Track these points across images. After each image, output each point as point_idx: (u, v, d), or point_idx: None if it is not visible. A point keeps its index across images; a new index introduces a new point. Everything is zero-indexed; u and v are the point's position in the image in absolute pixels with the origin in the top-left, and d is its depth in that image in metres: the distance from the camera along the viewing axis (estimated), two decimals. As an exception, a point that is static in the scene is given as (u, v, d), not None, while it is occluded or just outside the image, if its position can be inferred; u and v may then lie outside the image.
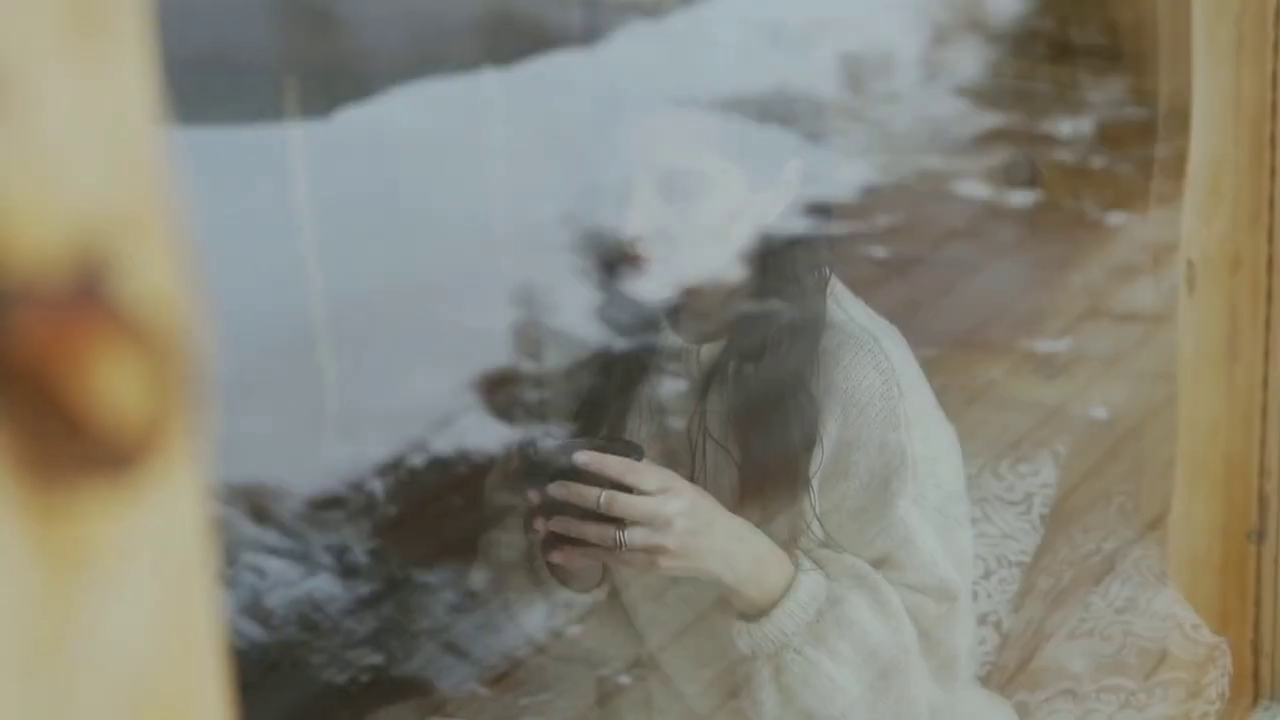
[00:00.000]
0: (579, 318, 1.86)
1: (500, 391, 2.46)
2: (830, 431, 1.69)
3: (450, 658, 2.37)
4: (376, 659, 2.38)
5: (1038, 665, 2.13)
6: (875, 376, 1.69)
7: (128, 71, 0.57)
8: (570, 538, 1.63)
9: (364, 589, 2.51)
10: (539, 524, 1.64)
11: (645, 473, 1.62)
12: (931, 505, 1.72)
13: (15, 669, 0.56)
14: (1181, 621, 2.13)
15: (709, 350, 1.74)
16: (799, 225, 1.71)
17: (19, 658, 0.56)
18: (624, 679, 1.95)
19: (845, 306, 1.75)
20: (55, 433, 0.56)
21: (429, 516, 2.69)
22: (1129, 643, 2.12)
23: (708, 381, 1.73)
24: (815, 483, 1.70)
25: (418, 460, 2.69)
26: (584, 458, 1.60)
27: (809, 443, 1.69)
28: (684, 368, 1.75)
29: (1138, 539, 2.27)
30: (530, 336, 2.08)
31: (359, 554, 2.55)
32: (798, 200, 1.70)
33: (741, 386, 1.72)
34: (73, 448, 0.56)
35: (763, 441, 1.71)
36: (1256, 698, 2.19)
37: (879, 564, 1.72)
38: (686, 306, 1.75)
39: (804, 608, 1.67)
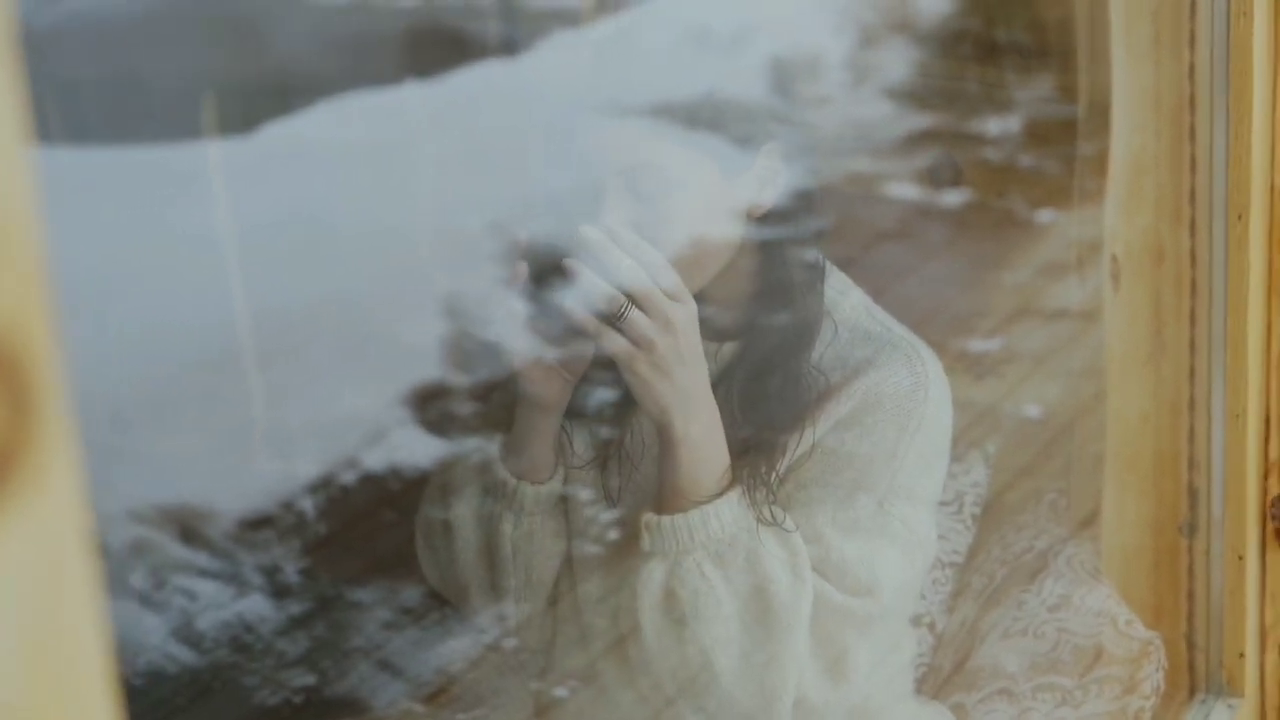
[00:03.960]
0: (509, 329, 1.85)
1: (432, 405, 2.45)
2: (839, 415, 1.68)
3: (384, 675, 2.35)
4: (310, 679, 2.36)
5: (973, 666, 2.12)
6: (907, 377, 1.71)
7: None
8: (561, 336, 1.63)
9: (296, 609, 2.49)
10: (518, 268, 1.62)
11: (672, 278, 1.61)
12: (895, 515, 1.72)
13: None
14: (1115, 617, 2.13)
15: (729, 349, 1.74)
16: (789, 219, 1.70)
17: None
18: (560, 691, 1.93)
19: (879, 318, 1.76)
20: (-97, 457, 0.54)
21: (361, 534, 2.67)
22: (1063, 640, 2.12)
23: (720, 380, 1.73)
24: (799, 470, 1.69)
25: (349, 477, 2.67)
26: (625, 234, 1.58)
27: (805, 437, 1.69)
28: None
29: (1070, 536, 2.27)
30: (461, 349, 2.06)
31: (290, 573, 2.53)
32: (787, 188, 1.69)
33: (752, 389, 1.72)
34: (-78, 472, 0.54)
35: (756, 431, 1.70)
36: (1192, 691, 2.19)
37: (809, 538, 1.71)
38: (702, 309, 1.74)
39: (723, 524, 1.67)
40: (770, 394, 1.71)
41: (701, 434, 1.66)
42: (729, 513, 1.68)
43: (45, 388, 0.57)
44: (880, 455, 1.70)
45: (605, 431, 1.79)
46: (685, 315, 1.61)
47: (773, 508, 1.70)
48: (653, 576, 1.70)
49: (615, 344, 1.61)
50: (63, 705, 0.61)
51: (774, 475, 1.70)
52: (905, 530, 1.73)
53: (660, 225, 1.63)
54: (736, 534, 1.68)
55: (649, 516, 1.70)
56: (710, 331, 1.74)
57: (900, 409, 1.70)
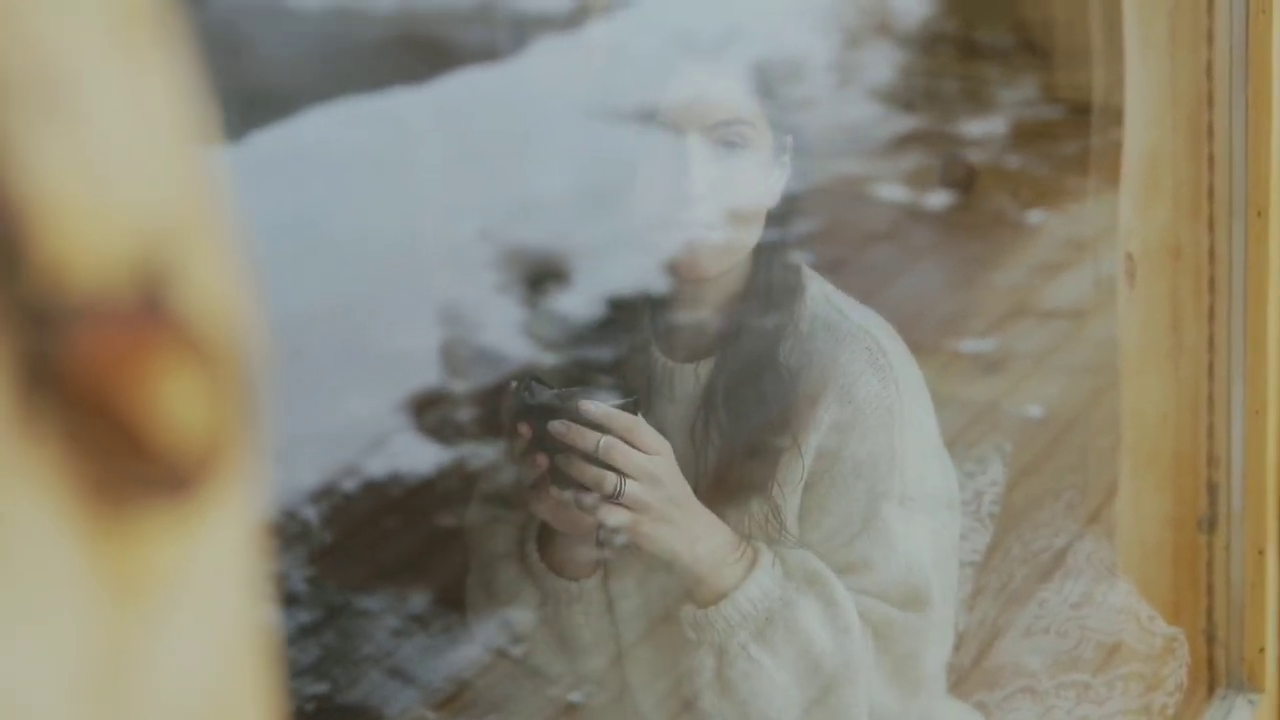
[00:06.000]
0: (506, 335, 1.85)
1: (430, 412, 2.44)
2: (822, 428, 1.67)
3: (396, 683, 2.34)
4: (320, 688, 2.35)
5: (995, 664, 2.12)
6: (872, 374, 1.69)
7: (175, 71, 0.55)
8: (562, 484, 1.63)
9: (304, 617, 2.48)
10: (539, 460, 1.63)
11: (645, 432, 1.62)
12: (917, 507, 1.71)
13: (81, 697, 0.54)
14: (1137, 614, 2.13)
15: (705, 367, 1.73)
16: (779, 221, 1.70)
17: (85, 686, 0.54)
18: (575, 697, 1.93)
19: (837, 305, 1.74)
20: (118, 454, 0.53)
21: (366, 540, 2.66)
22: (1086, 638, 2.12)
23: (705, 398, 1.72)
24: (799, 484, 1.69)
25: (351, 484, 2.66)
26: (591, 408, 1.61)
27: (789, 445, 1.69)
28: (680, 387, 1.74)
29: (1087, 533, 2.27)
30: (458, 356, 2.06)
31: (297, 582, 2.52)
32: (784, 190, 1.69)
33: (734, 399, 1.71)
34: (136, 469, 0.54)
35: (746, 442, 1.70)
36: (1212, 687, 2.19)
37: (853, 567, 1.70)
38: (679, 329, 1.74)
39: (755, 604, 1.67)
40: (752, 399, 1.71)
41: (706, 546, 1.67)
42: (757, 589, 1.68)
43: (249, 386, 0.56)
44: (882, 459, 1.69)
45: None
46: (666, 463, 1.64)
47: (784, 532, 1.70)
48: (704, 664, 1.71)
49: (617, 518, 1.63)
50: (245, 707, 0.61)
51: (774, 486, 1.70)
52: (930, 519, 1.73)
53: (736, 181, 1.63)
54: (771, 606, 1.68)
55: (687, 610, 1.70)
56: (687, 353, 1.74)
57: (879, 410, 1.69)
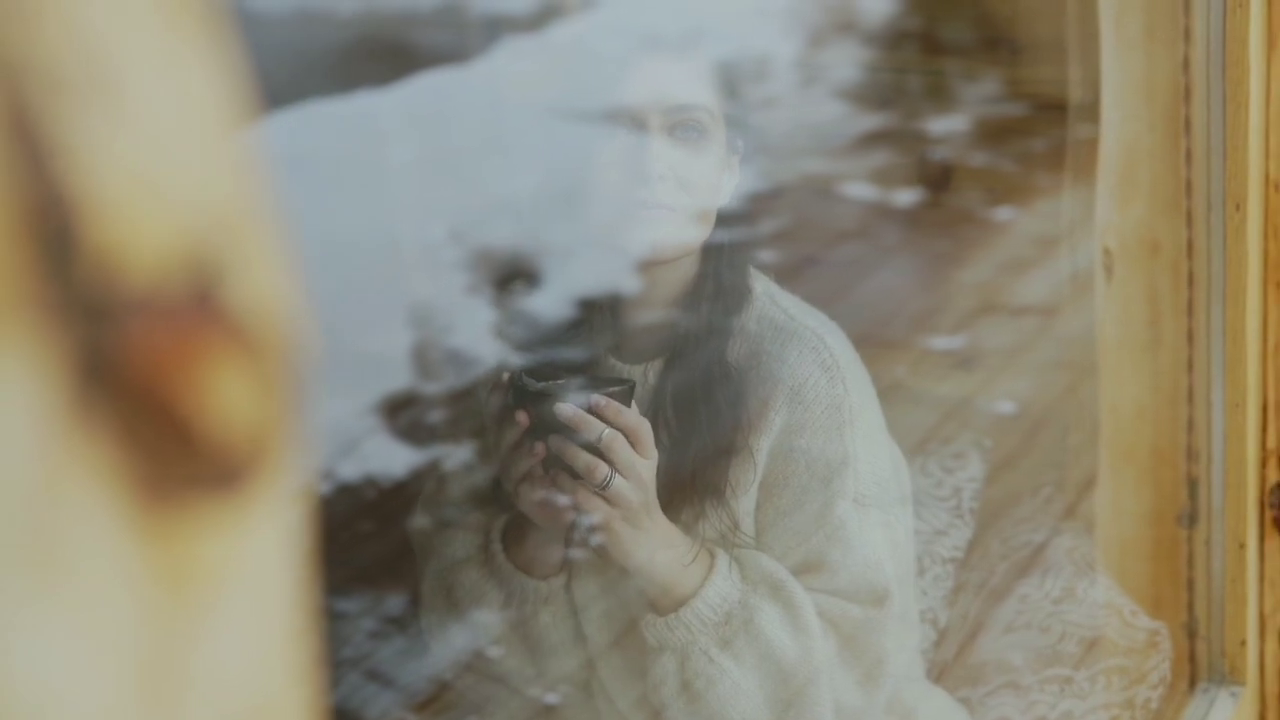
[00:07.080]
0: (476, 337, 1.84)
1: (402, 414, 2.43)
2: (774, 430, 1.68)
3: (373, 686, 2.33)
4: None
5: (977, 660, 2.12)
6: (820, 374, 1.69)
7: (222, 66, 0.54)
8: (549, 474, 1.64)
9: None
10: (536, 448, 1.64)
11: (646, 435, 1.63)
12: (871, 503, 1.72)
13: (131, 690, 0.53)
14: (1120, 608, 2.14)
15: (654, 368, 1.74)
16: (734, 223, 1.70)
17: (135, 679, 0.53)
18: (551, 698, 1.92)
19: (783, 305, 1.74)
20: (169, 448, 0.53)
21: (341, 544, 2.65)
22: (1068, 633, 2.12)
23: (654, 400, 1.72)
24: (753, 486, 1.70)
25: (325, 488, 2.64)
26: (601, 401, 1.61)
27: (741, 447, 1.69)
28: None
29: (1065, 529, 2.27)
30: (430, 357, 2.05)
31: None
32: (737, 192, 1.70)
33: (683, 400, 1.71)
34: (186, 464, 0.53)
35: (697, 444, 1.71)
36: (1193, 681, 2.20)
37: (811, 566, 1.71)
38: (630, 331, 1.74)
39: (714, 609, 1.68)
40: (701, 399, 1.72)
41: (665, 556, 1.68)
42: (716, 594, 1.69)
43: (294, 381, 0.56)
44: (835, 459, 1.70)
45: None
46: (651, 469, 1.65)
47: (740, 534, 1.71)
48: (667, 670, 1.72)
49: (596, 511, 1.65)
50: (289, 701, 0.61)
51: (728, 489, 1.71)
52: (884, 514, 1.74)
53: (691, 166, 1.64)
54: (730, 609, 1.69)
55: (649, 618, 1.71)
56: (637, 355, 1.75)
57: (829, 408, 1.70)
